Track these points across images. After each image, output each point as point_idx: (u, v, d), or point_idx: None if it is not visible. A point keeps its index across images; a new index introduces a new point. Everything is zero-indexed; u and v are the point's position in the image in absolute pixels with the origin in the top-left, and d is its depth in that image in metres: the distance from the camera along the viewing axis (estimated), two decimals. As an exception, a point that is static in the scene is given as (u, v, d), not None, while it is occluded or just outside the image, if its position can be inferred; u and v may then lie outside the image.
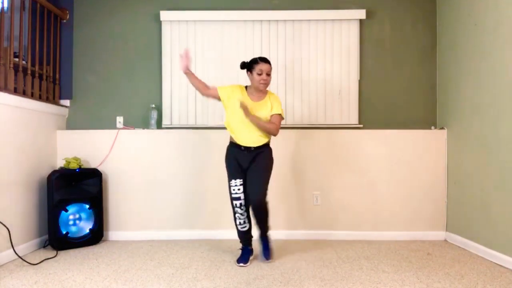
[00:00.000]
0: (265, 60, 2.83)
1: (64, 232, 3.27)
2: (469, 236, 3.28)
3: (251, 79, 2.85)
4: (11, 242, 2.90)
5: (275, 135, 2.86)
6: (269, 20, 3.81)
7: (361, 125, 3.80)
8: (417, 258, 3.03)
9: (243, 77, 3.79)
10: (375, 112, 3.83)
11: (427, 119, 3.83)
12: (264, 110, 2.82)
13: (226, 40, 3.83)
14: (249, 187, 2.81)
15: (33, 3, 3.41)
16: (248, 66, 2.87)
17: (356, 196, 3.68)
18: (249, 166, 2.83)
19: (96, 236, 3.46)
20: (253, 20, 3.81)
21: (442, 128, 3.71)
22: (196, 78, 2.91)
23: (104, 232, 3.60)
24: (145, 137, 3.70)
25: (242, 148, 2.81)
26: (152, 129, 3.74)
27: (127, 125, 3.83)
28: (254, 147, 2.81)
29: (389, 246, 3.39)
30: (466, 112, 3.35)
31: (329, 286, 2.43)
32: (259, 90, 2.84)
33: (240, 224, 2.89)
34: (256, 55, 3.75)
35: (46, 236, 3.38)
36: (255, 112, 2.78)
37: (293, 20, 3.81)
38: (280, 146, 3.43)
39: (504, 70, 2.85)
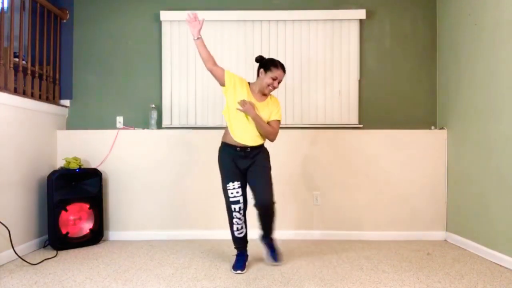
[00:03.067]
0: (283, 68, 2.73)
1: (64, 232, 3.27)
2: (469, 236, 3.28)
3: (261, 78, 2.73)
4: (11, 242, 2.90)
5: (272, 140, 2.76)
6: (269, 20, 3.81)
7: (361, 125, 3.80)
8: (417, 258, 3.03)
9: (243, 76, 3.80)
10: (375, 112, 3.83)
11: (427, 119, 3.83)
12: (264, 112, 2.72)
13: (226, 40, 3.83)
14: (257, 191, 2.69)
15: (33, 3, 3.41)
16: (264, 64, 2.73)
17: (356, 196, 3.68)
18: (248, 168, 2.73)
19: (96, 236, 3.46)
20: (253, 20, 3.81)
21: (442, 128, 3.71)
22: (206, 47, 2.71)
23: (104, 232, 3.60)
24: (145, 137, 3.70)
25: (238, 149, 2.69)
26: (152, 129, 3.74)
27: (127, 125, 3.83)
28: (250, 147, 2.69)
29: (389, 246, 3.39)
30: (466, 112, 3.35)
31: (329, 286, 2.43)
32: (264, 94, 2.76)
33: (237, 230, 2.74)
34: (256, 55, 3.77)
35: (46, 236, 3.38)
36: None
37: (293, 20, 3.81)
38: (280, 146, 3.42)
39: (504, 70, 2.85)
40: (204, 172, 3.67)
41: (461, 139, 3.44)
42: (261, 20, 3.81)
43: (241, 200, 2.72)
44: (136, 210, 3.67)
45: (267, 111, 2.74)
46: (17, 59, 3.21)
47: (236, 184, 2.71)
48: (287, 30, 3.82)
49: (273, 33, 3.83)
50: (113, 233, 3.66)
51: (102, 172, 3.54)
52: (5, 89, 2.99)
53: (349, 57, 3.82)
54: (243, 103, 2.63)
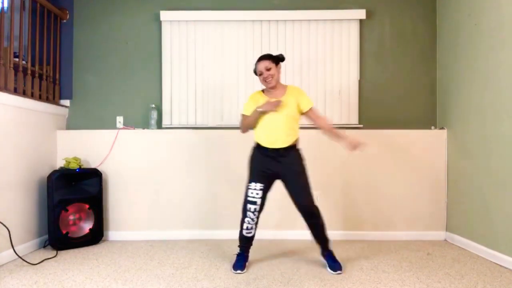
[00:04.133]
0: (260, 58, 2.71)
1: (64, 232, 3.27)
2: (469, 236, 3.28)
3: (262, 84, 2.77)
4: (11, 242, 2.90)
5: (329, 124, 2.81)
6: (269, 20, 3.81)
7: (361, 125, 3.80)
8: (417, 258, 3.03)
9: (243, 76, 3.81)
10: (375, 112, 3.83)
11: (427, 119, 3.83)
12: (289, 107, 2.67)
13: (226, 40, 3.83)
14: (296, 194, 2.67)
15: (33, 3, 3.41)
16: (254, 70, 2.78)
17: (356, 196, 3.68)
18: (281, 171, 2.68)
19: (96, 236, 3.46)
20: (253, 20, 3.81)
21: (442, 128, 3.71)
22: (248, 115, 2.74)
23: (104, 232, 3.60)
24: (145, 137, 3.70)
25: (269, 149, 2.66)
26: (152, 129, 3.74)
27: (127, 125, 3.83)
28: (283, 149, 2.66)
29: (389, 246, 3.39)
30: (466, 112, 3.35)
31: (329, 286, 2.43)
32: (270, 88, 2.73)
33: (247, 228, 2.72)
34: (256, 55, 3.74)
35: (46, 236, 3.38)
36: (279, 110, 2.66)
37: (293, 20, 3.81)
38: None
39: (504, 70, 2.85)
40: (204, 172, 3.67)
41: (461, 139, 3.44)
42: (261, 20, 3.81)
43: (258, 202, 2.70)
44: (136, 210, 3.67)
45: (290, 105, 2.69)
46: (17, 59, 3.21)
47: (259, 185, 2.69)
48: (287, 30, 3.83)
49: (273, 33, 3.83)
50: (113, 233, 3.66)
51: (102, 172, 3.54)
52: (5, 89, 2.98)
53: (349, 57, 3.82)
54: (262, 105, 2.63)
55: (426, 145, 3.68)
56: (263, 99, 2.73)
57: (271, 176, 2.72)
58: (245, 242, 2.81)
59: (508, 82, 2.80)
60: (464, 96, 3.38)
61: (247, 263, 2.80)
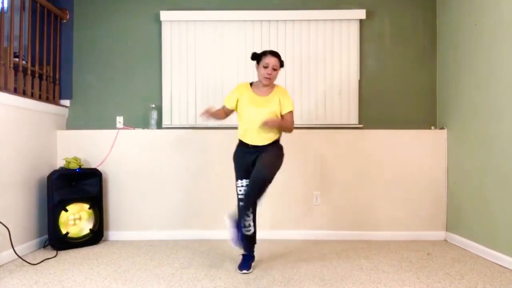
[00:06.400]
0: (273, 54, 2.70)
1: (64, 232, 3.27)
2: (469, 236, 3.28)
3: (258, 71, 2.74)
4: (11, 242, 2.90)
5: (291, 132, 2.80)
6: (269, 20, 3.81)
7: (361, 125, 3.80)
8: (417, 258, 3.03)
9: (243, 76, 3.81)
10: (375, 112, 3.83)
11: (427, 119, 3.83)
12: (272, 105, 2.70)
13: (226, 40, 3.83)
14: (255, 169, 2.60)
15: (33, 3, 3.41)
16: (257, 57, 2.74)
17: (356, 196, 3.68)
18: (256, 159, 2.69)
19: (96, 236, 3.46)
20: (253, 20, 3.81)
21: (442, 128, 3.71)
22: (216, 112, 2.77)
23: (104, 232, 3.60)
24: (145, 137, 3.70)
25: (250, 146, 2.70)
26: (152, 129, 3.74)
27: (127, 125, 3.83)
28: (264, 146, 2.69)
29: (389, 246, 3.39)
30: (466, 112, 3.35)
31: (329, 286, 2.43)
32: (263, 85, 2.73)
33: (245, 226, 2.68)
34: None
35: (46, 236, 3.38)
36: (262, 107, 2.68)
37: (293, 20, 3.81)
38: (280, 146, 3.43)
39: (504, 70, 2.85)
40: (204, 172, 3.68)
41: (461, 139, 3.44)
42: (261, 20, 3.81)
43: None
44: (136, 210, 3.67)
45: (274, 103, 2.71)
46: (17, 59, 3.21)
47: (245, 182, 2.72)
48: (287, 30, 3.82)
49: (273, 33, 3.83)
50: (113, 233, 3.66)
51: (102, 172, 3.55)
52: (5, 89, 2.99)
53: (349, 57, 3.82)
54: (264, 123, 2.58)
55: (426, 145, 3.68)
56: (248, 93, 2.73)
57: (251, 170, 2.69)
58: (247, 241, 2.77)
59: (508, 82, 2.80)
60: (464, 96, 3.38)
61: (253, 263, 2.79)
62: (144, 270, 2.75)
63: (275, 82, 2.81)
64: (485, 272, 2.69)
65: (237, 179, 2.78)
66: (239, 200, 2.75)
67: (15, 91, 3.12)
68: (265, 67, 2.67)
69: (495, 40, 2.95)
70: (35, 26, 3.46)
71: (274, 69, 2.68)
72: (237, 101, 2.76)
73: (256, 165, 2.65)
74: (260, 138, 2.69)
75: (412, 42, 3.85)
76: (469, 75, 3.29)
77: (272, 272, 2.70)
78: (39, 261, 2.93)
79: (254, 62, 2.79)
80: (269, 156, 2.67)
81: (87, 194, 3.42)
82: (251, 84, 2.82)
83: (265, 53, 2.71)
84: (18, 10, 3.23)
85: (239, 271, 2.70)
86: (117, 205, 3.67)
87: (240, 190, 2.74)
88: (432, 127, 3.79)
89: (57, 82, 3.78)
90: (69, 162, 3.44)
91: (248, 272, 2.68)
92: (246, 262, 2.75)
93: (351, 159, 3.68)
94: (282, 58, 2.76)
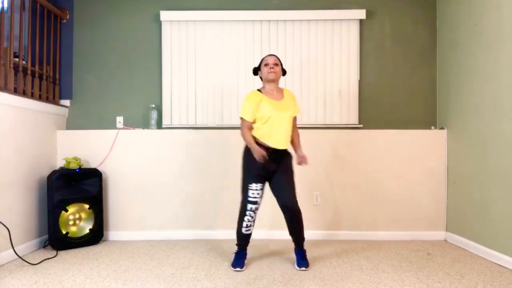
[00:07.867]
0: (269, 54, 2.84)
1: (64, 232, 3.27)
2: (469, 236, 3.28)
3: (262, 75, 2.80)
4: (11, 242, 2.90)
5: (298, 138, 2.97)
6: (269, 20, 3.81)
7: (361, 125, 3.80)
8: (417, 258, 3.03)
9: (243, 76, 3.81)
10: (375, 112, 3.83)
11: (427, 119, 3.83)
12: (290, 109, 2.78)
13: (226, 40, 3.83)
14: (283, 194, 2.71)
15: (33, 3, 3.41)
16: (258, 67, 2.87)
17: (356, 196, 3.68)
18: (275, 170, 2.73)
19: (96, 236, 3.46)
20: (253, 20, 3.81)
21: (442, 128, 3.71)
22: (256, 143, 2.71)
23: (104, 232, 3.60)
24: (145, 137, 3.70)
25: (270, 150, 2.68)
26: (152, 129, 3.74)
27: (127, 125, 3.83)
28: (282, 150, 2.74)
29: (389, 246, 3.39)
30: (466, 112, 3.35)
31: (329, 286, 2.43)
32: (269, 80, 2.75)
33: (246, 226, 2.75)
34: (256, 55, 3.80)
35: (46, 236, 3.38)
36: (284, 111, 2.72)
37: (293, 20, 3.81)
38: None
39: (504, 70, 2.85)
40: (204, 172, 3.68)
41: (461, 139, 3.44)
42: (261, 20, 3.81)
43: (259, 202, 2.75)
44: (136, 210, 3.67)
45: (290, 105, 2.81)
46: (17, 59, 3.22)
47: (259, 185, 2.73)
48: (287, 30, 3.83)
49: (273, 33, 3.83)
50: (113, 233, 3.66)
51: (102, 172, 3.55)
52: (5, 89, 2.99)
53: (349, 57, 3.82)
54: (304, 161, 2.81)
55: (426, 145, 3.68)
56: (264, 98, 2.73)
57: (267, 176, 2.76)
58: (244, 239, 2.83)
59: (508, 82, 2.80)
60: (464, 96, 3.38)
61: (246, 261, 2.83)
62: (144, 270, 2.75)
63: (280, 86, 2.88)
64: (485, 272, 2.69)
65: (250, 182, 2.72)
66: (249, 202, 2.72)
67: (15, 91, 3.12)
68: (266, 65, 2.77)
69: (495, 40, 2.95)
70: (35, 26, 3.47)
71: (276, 64, 2.77)
72: (258, 113, 2.73)
73: (281, 190, 2.72)
74: (285, 142, 2.77)
75: (412, 42, 3.85)
76: (469, 75, 3.29)
77: (272, 272, 2.70)
78: (39, 261, 2.93)
79: (256, 70, 2.90)
80: (290, 181, 2.76)
81: (87, 194, 3.42)
82: (259, 90, 2.83)
83: (263, 58, 2.84)
84: (18, 10, 3.23)
85: (232, 268, 2.75)
86: (117, 205, 3.67)
87: (252, 193, 2.71)
88: (432, 127, 3.79)
89: (57, 82, 3.78)
90: (69, 162, 3.44)
91: (241, 270, 2.73)
92: (241, 260, 2.80)
93: (351, 159, 3.68)
94: (284, 66, 2.85)
